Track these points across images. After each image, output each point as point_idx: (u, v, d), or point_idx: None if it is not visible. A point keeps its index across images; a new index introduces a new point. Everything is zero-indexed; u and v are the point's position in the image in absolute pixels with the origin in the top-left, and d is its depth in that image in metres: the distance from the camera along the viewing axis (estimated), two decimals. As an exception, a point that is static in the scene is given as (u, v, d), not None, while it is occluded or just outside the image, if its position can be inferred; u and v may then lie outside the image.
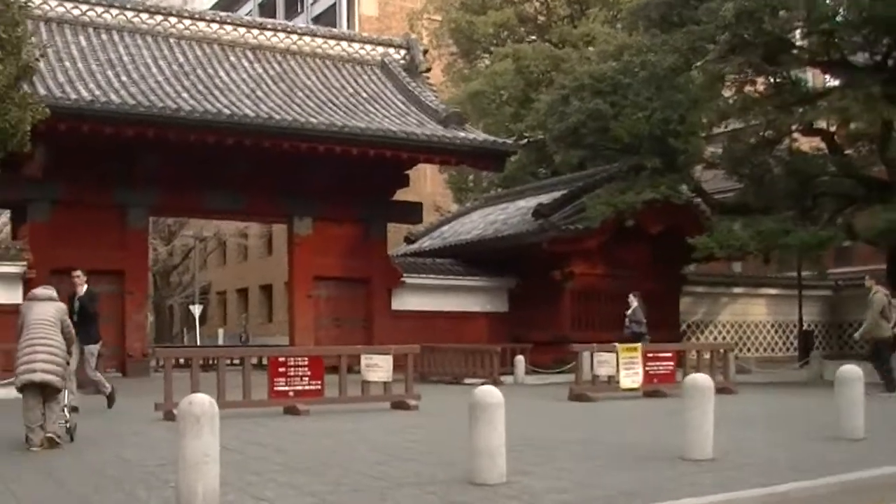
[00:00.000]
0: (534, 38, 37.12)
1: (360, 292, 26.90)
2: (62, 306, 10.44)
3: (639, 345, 17.86)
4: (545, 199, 28.13)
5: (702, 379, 9.84)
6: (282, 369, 14.10)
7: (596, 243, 25.97)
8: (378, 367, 14.93)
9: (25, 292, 21.86)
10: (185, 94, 23.45)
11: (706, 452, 9.35)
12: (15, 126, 11.02)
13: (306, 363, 14.28)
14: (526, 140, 28.54)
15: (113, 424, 12.65)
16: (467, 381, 22.69)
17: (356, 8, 48.41)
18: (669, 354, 18.55)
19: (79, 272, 14.15)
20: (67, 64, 23.25)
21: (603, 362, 17.15)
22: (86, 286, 14.20)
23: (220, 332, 47.94)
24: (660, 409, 15.67)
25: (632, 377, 17.32)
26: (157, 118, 21.77)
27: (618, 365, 17.23)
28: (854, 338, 21.19)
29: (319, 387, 14.23)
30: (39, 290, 10.46)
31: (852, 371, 11.12)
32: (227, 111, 22.84)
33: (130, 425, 12.63)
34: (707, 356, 19.44)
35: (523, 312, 27.79)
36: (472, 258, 28.50)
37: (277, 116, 23.34)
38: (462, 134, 25.83)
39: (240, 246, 53.50)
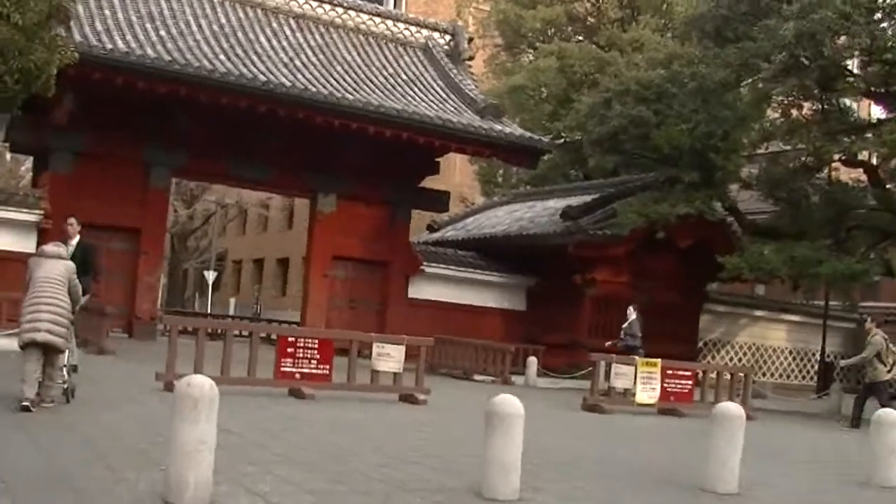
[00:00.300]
0: (580, 38, 36.35)
1: (377, 276, 26.34)
2: (71, 265, 10.07)
3: (658, 360, 17.18)
4: (575, 201, 27.62)
5: (733, 408, 9.18)
6: (290, 349, 13.53)
7: (622, 251, 25.33)
8: (390, 356, 14.35)
9: (40, 242, 21.51)
10: (221, 56, 22.88)
11: (730, 486, 8.71)
12: (40, 68, 10.44)
13: (316, 345, 13.71)
14: (563, 140, 27.85)
15: (111, 391, 12.12)
16: (477, 377, 22.19)
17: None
18: (689, 373, 17.90)
19: (72, 220, 12.87)
20: (107, 13, 22.71)
21: (621, 374, 16.52)
22: (78, 237, 12.78)
23: (232, 301, 47.38)
24: (676, 428, 15.05)
25: (648, 392, 16.69)
26: (191, 77, 21.23)
27: (636, 378, 16.59)
28: (839, 364, 21.19)
29: (327, 371, 13.66)
30: (48, 247, 10.18)
31: (890, 416, 10.44)
32: (262, 77, 22.24)
33: (129, 393, 12.09)
34: (727, 378, 18.81)
35: (540, 313, 27.21)
36: (493, 253, 27.92)
37: (314, 89, 22.75)
38: (498, 127, 25.18)
39: (260, 216, 52.92)
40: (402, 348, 14.48)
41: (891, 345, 17.82)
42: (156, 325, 23.78)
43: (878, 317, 19.59)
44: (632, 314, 21.31)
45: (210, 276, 43.56)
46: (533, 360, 23.12)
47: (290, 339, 13.69)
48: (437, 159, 26.73)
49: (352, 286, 26.10)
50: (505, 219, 30.12)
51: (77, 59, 13.86)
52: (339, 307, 25.83)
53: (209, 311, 41.28)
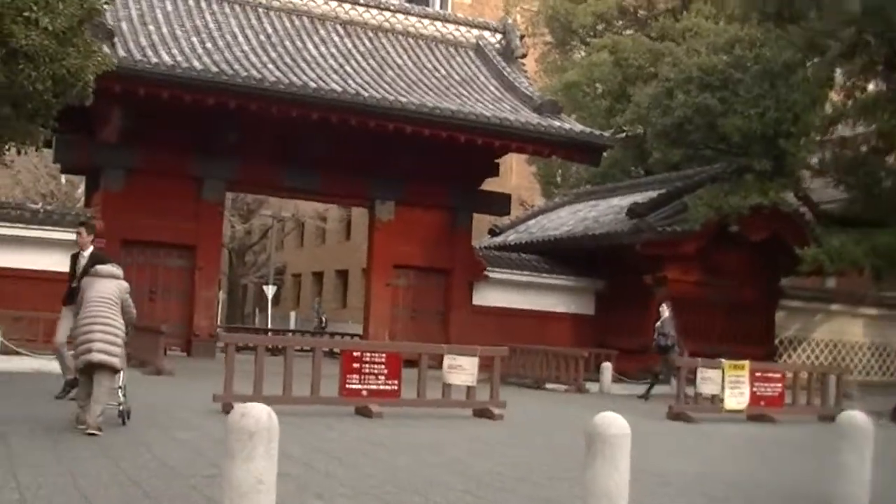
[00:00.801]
0: (630, 31, 35.07)
1: (439, 284, 25.36)
2: (124, 285, 9.94)
3: (746, 363, 15.91)
4: (639, 198, 26.30)
5: (859, 417, 8.01)
6: (356, 365, 12.55)
7: (693, 248, 23.96)
8: (462, 369, 13.29)
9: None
10: (270, 66, 22.06)
11: (862, 505, 7.58)
12: (74, 74, 9.59)
13: (383, 360, 12.71)
14: (625, 134, 26.64)
15: (166, 414, 11.23)
16: (549, 385, 21.11)
17: (450, -5, 46.77)
18: (778, 375, 16.60)
19: (82, 230, 12.26)
20: (151, 28, 22.03)
21: (707, 379, 15.28)
22: (91, 248, 12.13)
23: (293, 314, 46.77)
24: (773, 437, 13.82)
25: (737, 398, 15.43)
26: (240, 88, 20.42)
27: (723, 383, 15.34)
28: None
29: (396, 387, 12.65)
30: (102, 267, 10.02)
31: None
32: (313, 84, 21.38)
33: (184, 416, 11.19)
34: (813, 378, 17.50)
35: (610, 316, 26.01)
36: (558, 256, 26.76)
37: (366, 94, 21.81)
38: (557, 123, 24.06)
39: (318, 228, 52.28)
40: (476, 360, 13.42)
41: None
42: (215, 342, 22.98)
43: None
44: (665, 312, 20.30)
45: (269, 290, 42.92)
46: (607, 366, 21.96)
47: (355, 353, 12.71)
48: (497, 161, 25.70)
49: (414, 295, 25.14)
50: (568, 219, 28.95)
51: (115, 65, 12.96)
52: (401, 317, 24.90)
53: (269, 327, 40.54)
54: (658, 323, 20.32)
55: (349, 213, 50.28)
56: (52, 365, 17.62)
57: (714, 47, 22.58)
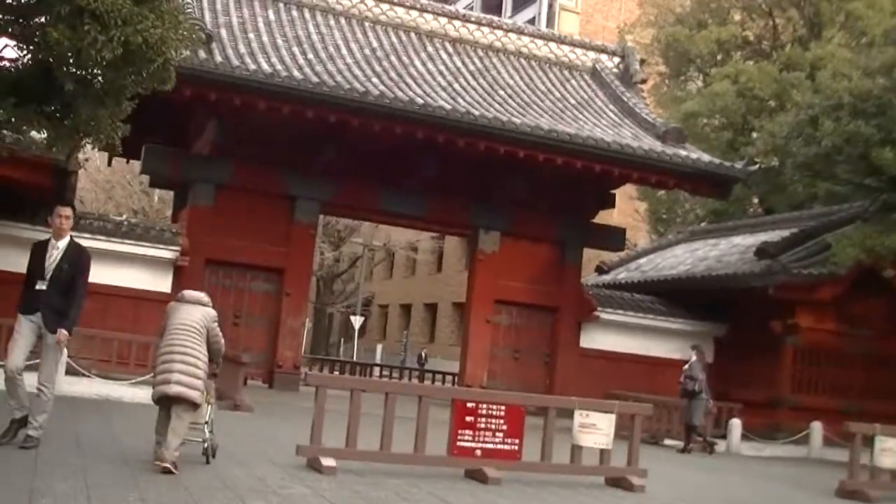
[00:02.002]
0: (750, 62, 32.46)
1: (545, 323, 23.01)
2: (212, 312, 9.04)
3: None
4: (765, 237, 23.86)
5: None
6: (470, 418, 10.28)
7: (830, 293, 21.19)
8: (596, 428, 10.91)
9: (176, 281, 19.11)
10: (374, 80, 20.12)
11: None
12: (153, 46, 7.56)
13: (502, 413, 10.42)
14: (757, 166, 23.99)
15: (241, 466, 9.10)
16: (667, 441, 18.62)
17: (556, 25, 44.68)
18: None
19: (67, 211, 9.10)
20: (251, 36, 20.30)
21: (887, 450, 12.57)
22: (69, 237, 9.09)
23: (380, 347, 44.68)
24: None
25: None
26: (342, 100, 18.49)
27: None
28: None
29: (517, 447, 10.35)
30: (188, 292, 9.27)
31: None
32: (420, 101, 19.36)
33: (260, 471, 9.03)
34: None
35: (731, 366, 23.15)
36: (675, 297, 24.17)
37: (476, 112, 19.71)
38: (683, 153, 21.62)
39: (408, 260, 50.37)
40: (613, 418, 11.04)
41: None
42: (299, 374, 21.09)
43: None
44: (693, 356, 18.54)
45: (357, 321, 40.97)
46: (737, 423, 19.37)
47: (468, 404, 10.43)
48: (613, 192, 23.38)
49: (516, 334, 22.83)
50: (685, 258, 26.35)
51: (203, 39, 10.93)
52: (501, 357, 22.61)
53: (355, 359, 38.55)
54: (686, 366, 18.56)
55: (441, 244, 48.34)
56: (122, 391, 15.93)
57: (868, 71, 19.86)
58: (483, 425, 10.24)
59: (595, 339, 23.17)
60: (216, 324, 8.99)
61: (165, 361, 8.56)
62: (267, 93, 18.09)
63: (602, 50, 25.85)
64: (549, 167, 20.55)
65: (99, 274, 18.62)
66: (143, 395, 15.63)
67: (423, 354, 39.64)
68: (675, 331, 23.75)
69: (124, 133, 9.84)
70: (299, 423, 10.81)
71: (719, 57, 32.81)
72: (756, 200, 31.42)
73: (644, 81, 25.72)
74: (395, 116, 18.87)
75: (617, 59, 25.64)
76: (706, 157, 22.22)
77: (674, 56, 32.45)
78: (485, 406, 10.39)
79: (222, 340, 9.11)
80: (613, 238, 24.25)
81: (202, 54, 17.70)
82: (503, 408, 10.44)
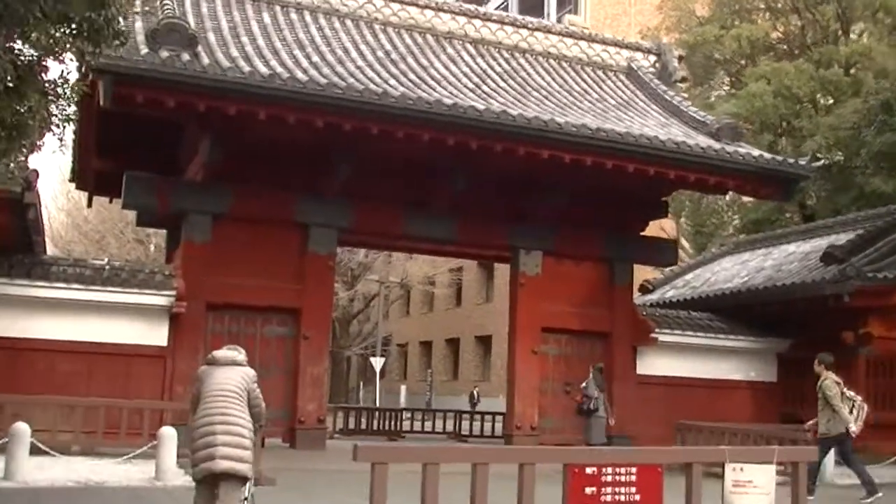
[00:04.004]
0: (779, 63, 29.09)
1: (596, 350, 19.28)
2: (251, 372, 7.59)
3: None
4: (822, 242, 20.71)
5: None
6: (590, 489, 6.49)
7: (905, 298, 17.72)
8: (753, 486, 7.13)
9: (172, 329, 15.44)
10: (392, 82, 16.55)
11: None
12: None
13: (633, 479, 6.65)
14: (821, 162, 20.49)
15: None
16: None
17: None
18: None
19: None
20: (245, 39, 16.70)
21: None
22: None
23: (403, 389, 40.79)
24: None
25: None
26: (358, 103, 14.87)
27: None
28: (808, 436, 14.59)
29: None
30: (221, 353, 7.78)
31: None
32: (448, 101, 15.76)
33: None
34: None
35: (798, 383, 19.49)
36: (731, 312, 20.62)
37: (514, 113, 16.12)
38: (743, 150, 18.05)
39: (425, 296, 46.63)
40: (773, 471, 7.24)
41: (846, 389, 13.62)
42: (325, 429, 17.38)
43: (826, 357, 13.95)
44: (590, 374, 17.06)
45: (377, 363, 37.11)
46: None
47: (588, 470, 6.64)
48: (665, 199, 19.77)
49: (566, 364, 19.10)
50: (738, 270, 22.73)
51: None
52: (552, 392, 18.87)
53: (377, 404, 34.65)
54: (583, 384, 17.04)
55: (459, 277, 44.69)
56: (108, 472, 12.32)
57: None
58: (609, 497, 6.48)
59: (653, 365, 19.55)
60: (256, 384, 7.60)
61: (206, 434, 7.20)
62: (267, 99, 14.50)
63: (637, 48, 22.30)
64: (595, 174, 17.01)
65: (78, 329, 14.97)
66: (136, 474, 12.01)
67: (476, 394, 35.74)
68: (736, 349, 20.26)
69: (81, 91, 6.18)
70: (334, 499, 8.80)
71: (743, 62, 29.50)
72: (797, 206, 27.87)
73: (684, 80, 22.19)
74: (421, 120, 15.27)
75: (653, 58, 22.10)
76: (768, 155, 18.65)
77: (699, 60, 28.99)
78: (610, 470, 6.60)
79: (263, 403, 7.72)
80: (665, 252, 20.69)
81: (185, 56, 14.14)
82: (634, 470, 6.67)
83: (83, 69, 7.01)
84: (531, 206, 18.43)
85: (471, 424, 24.46)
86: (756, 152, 18.36)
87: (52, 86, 6.43)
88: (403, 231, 18.28)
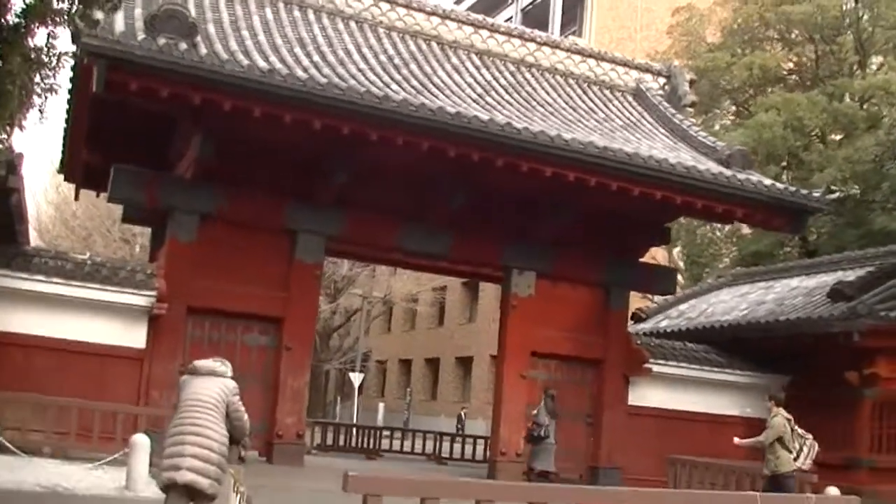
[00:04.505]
0: (788, 94, 28.80)
1: (587, 378, 18.84)
2: (231, 384, 7.28)
3: None
4: (827, 278, 20.27)
5: None
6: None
7: (915, 339, 17.27)
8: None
9: (151, 331, 14.80)
10: (393, 86, 15.99)
11: None
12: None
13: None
14: (837, 194, 20.10)
15: None
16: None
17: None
18: None
19: None
20: (245, 34, 16.11)
21: None
22: None
23: (381, 406, 40.05)
24: None
25: None
26: (357, 107, 14.30)
27: None
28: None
29: None
30: (200, 362, 7.50)
31: None
32: (451, 109, 15.20)
33: None
34: None
35: (796, 422, 19.10)
36: (729, 346, 20.11)
37: (519, 126, 15.58)
38: (755, 178, 17.59)
39: (407, 313, 45.96)
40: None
41: (796, 427, 13.55)
42: (303, 444, 16.75)
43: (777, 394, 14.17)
44: (542, 402, 16.92)
45: (356, 378, 36.41)
46: (834, 492, 15.09)
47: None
48: (668, 225, 19.29)
49: (556, 391, 18.49)
50: (736, 303, 22.25)
51: None
52: (540, 419, 18.23)
53: (356, 420, 33.93)
54: (534, 411, 16.96)
55: (443, 296, 44.06)
56: (78, 477, 11.67)
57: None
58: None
59: (645, 396, 19.01)
60: (237, 397, 7.38)
61: (175, 443, 7.07)
62: (264, 95, 13.91)
63: (646, 69, 21.83)
64: (598, 196, 16.53)
65: (55, 326, 14.23)
66: (107, 482, 11.42)
67: (463, 415, 35.02)
68: (733, 384, 19.75)
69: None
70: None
71: (750, 91, 29.19)
72: (799, 241, 27.49)
73: (694, 105, 21.73)
74: (422, 127, 14.71)
75: (662, 80, 21.64)
76: (780, 185, 18.20)
77: (704, 87, 28.64)
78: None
79: (246, 417, 7.44)
80: (664, 280, 20.24)
81: (183, 45, 13.54)
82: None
83: (74, 37, 6.44)
84: (528, 225, 17.94)
85: (451, 446, 23.82)
86: (767, 181, 17.94)
87: (37, 52, 5.83)
88: (395, 243, 17.70)
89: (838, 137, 26.48)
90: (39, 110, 6.29)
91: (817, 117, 24.91)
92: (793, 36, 28.88)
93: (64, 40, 6.81)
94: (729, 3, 29.94)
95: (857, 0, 28.25)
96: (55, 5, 6.15)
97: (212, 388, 7.42)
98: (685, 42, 29.36)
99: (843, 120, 24.48)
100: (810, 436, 13.67)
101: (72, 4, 6.19)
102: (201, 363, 7.74)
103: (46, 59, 5.97)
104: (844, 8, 28.11)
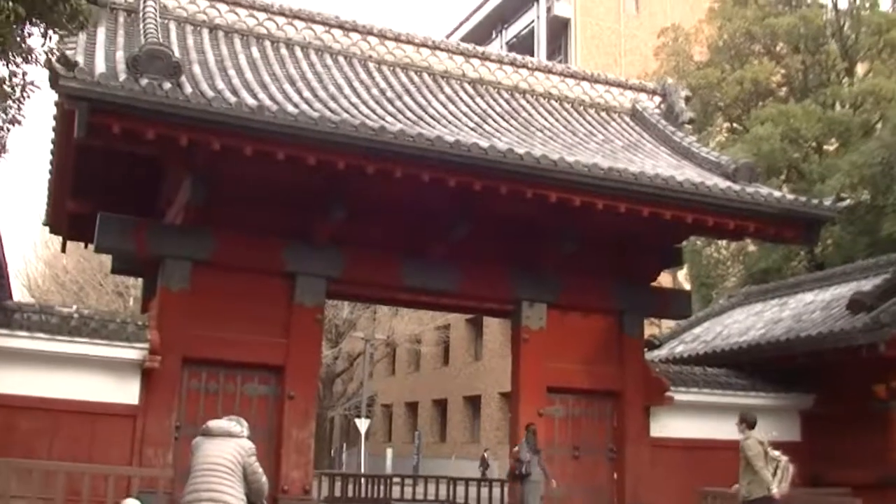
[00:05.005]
0: (782, 106, 28.43)
1: (606, 411, 18.00)
2: (247, 445, 7.20)
3: None
4: (842, 290, 19.71)
5: None
6: None
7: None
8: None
9: (144, 386, 14.03)
10: (389, 119, 15.42)
11: None
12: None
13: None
14: (847, 202, 19.55)
15: None
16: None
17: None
18: None
19: None
20: (232, 72, 15.54)
21: None
22: None
23: (389, 452, 39.09)
24: None
25: None
26: (353, 140, 13.66)
27: None
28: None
29: None
30: (215, 423, 7.35)
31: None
32: (450, 138, 14.60)
33: None
34: None
35: (824, 442, 18.42)
36: (748, 367, 19.42)
37: (521, 151, 14.98)
38: (765, 191, 17.00)
39: (411, 354, 45.15)
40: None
41: (769, 449, 13.01)
42: (311, 500, 15.93)
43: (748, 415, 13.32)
44: (525, 434, 16.20)
45: (362, 424, 35.52)
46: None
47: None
48: (679, 245, 18.66)
49: (574, 427, 17.71)
50: (752, 322, 21.59)
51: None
52: (560, 457, 17.29)
53: (363, 468, 33.00)
54: (516, 448, 16.32)
55: (447, 335, 43.29)
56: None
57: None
58: None
59: (667, 426, 18.17)
60: (254, 458, 7.32)
61: None
62: (254, 133, 13.23)
63: (640, 89, 21.32)
64: (606, 219, 15.88)
65: (40, 384, 13.24)
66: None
67: (486, 456, 34.04)
68: (756, 407, 18.73)
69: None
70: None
71: (742, 107, 28.80)
72: (806, 254, 26.92)
73: (692, 121, 21.19)
74: (421, 158, 14.07)
75: (658, 99, 21.13)
76: (790, 196, 17.60)
77: (695, 105, 28.28)
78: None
79: (264, 479, 7.35)
80: (678, 303, 19.45)
81: (167, 85, 12.95)
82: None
83: (52, 81, 5.85)
84: (535, 255, 17.24)
85: (466, 490, 22.97)
86: (777, 193, 17.36)
87: (-1, 82, 5.24)
88: (399, 282, 16.94)
89: (833, 147, 26.06)
90: (2, 144, 5.68)
91: (814, 126, 24.47)
92: (778, 48, 28.58)
93: (33, 72, 6.23)
94: (714, 21, 29.68)
95: (836, 9, 28.07)
96: (22, 44, 5.59)
97: (227, 450, 7.20)
98: (673, 62, 29.04)
99: (839, 128, 24.07)
100: (784, 457, 13.14)
101: (44, 36, 5.63)
102: (215, 424, 7.45)
103: (10, 91, 5.38)
104: (825, 17, 27.92)
